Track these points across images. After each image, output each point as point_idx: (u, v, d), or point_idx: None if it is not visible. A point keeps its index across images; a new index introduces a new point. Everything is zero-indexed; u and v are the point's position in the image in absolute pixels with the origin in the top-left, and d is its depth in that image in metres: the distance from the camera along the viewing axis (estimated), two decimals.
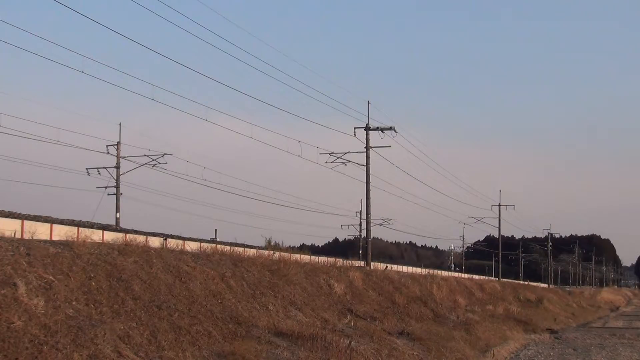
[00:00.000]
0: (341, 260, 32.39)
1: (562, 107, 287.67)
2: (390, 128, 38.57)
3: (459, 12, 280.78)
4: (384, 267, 35.33)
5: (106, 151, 44.47)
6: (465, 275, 65.88)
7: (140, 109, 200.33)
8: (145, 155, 44.71)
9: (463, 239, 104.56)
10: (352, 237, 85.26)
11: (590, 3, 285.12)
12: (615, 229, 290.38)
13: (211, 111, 47.14)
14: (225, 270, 17.07)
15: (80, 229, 26.47)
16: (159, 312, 12.47)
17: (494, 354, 22.54)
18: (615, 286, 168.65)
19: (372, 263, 37.69)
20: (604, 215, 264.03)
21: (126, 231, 31.69)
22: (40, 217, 32.03)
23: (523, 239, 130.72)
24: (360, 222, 69.92)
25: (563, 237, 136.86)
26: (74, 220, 33.80)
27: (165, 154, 44.50)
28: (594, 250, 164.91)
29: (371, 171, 38.45)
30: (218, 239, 43.82)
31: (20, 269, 10.88)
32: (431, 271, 51.19)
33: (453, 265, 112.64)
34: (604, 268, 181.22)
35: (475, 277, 66.98)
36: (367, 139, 38.49)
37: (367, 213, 39.61)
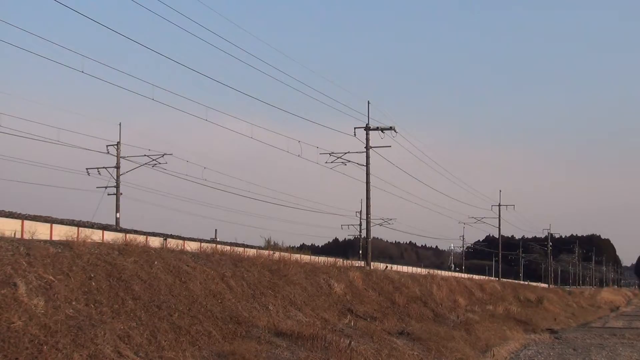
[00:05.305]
0: (341, 260, 32.35)
1: (563, 107, 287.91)
2: (390, 128, 38.58)
3: (460, 12, 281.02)
4: (384, 267, 35.29)
5: (106, 151, 44.56)
6: (465, 275, 65.82)
7: (140, 109, 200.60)
8: (145, 155, 44.79)
9: (463, 239, 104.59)
10: (352, 237, 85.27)
11: (591, 3, 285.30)
12: (615, 229, 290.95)
13: (211, 111, 47.23)
14: (225, 270, 17.06)
15: (80, 229, 26.46)
16: (159, 312, 12.47)
17: (494, 354, 22.54)
18: (615, 286, 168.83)
19: (372, 263, 37.67)
20: (604, 215, 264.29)
21: (126, 231, 31.68)
22: (40, 217, 32.01)
23: (523, 239, 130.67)
24: (360, 222, 69.92)
25: (563, 237, 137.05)
26: (74, 220, 33.77)
27: (165, 154, 44.61)
28: (594, 250, 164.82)
29: (371, 171, 38.47)
30: (218, 239, 43.79)
31: (20, 269, 10.88)
32: (431, 271, 51.16)
33: (453, 265, 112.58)
34: (604, 268, 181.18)
35: (475, 277, 66.93)
36: (367, 139, 38.49)
37: (367, 213, 39.61)
